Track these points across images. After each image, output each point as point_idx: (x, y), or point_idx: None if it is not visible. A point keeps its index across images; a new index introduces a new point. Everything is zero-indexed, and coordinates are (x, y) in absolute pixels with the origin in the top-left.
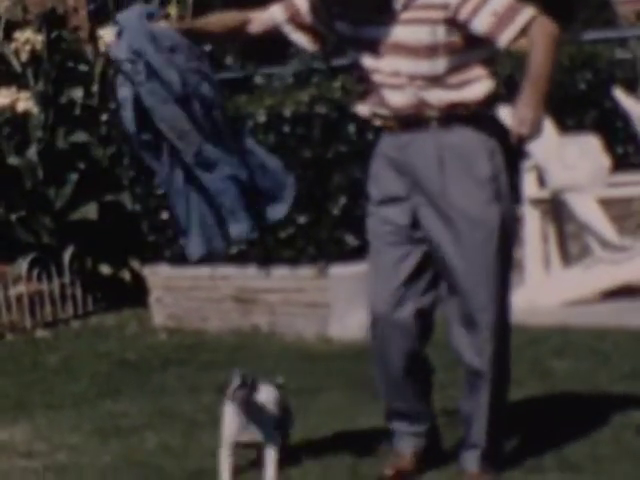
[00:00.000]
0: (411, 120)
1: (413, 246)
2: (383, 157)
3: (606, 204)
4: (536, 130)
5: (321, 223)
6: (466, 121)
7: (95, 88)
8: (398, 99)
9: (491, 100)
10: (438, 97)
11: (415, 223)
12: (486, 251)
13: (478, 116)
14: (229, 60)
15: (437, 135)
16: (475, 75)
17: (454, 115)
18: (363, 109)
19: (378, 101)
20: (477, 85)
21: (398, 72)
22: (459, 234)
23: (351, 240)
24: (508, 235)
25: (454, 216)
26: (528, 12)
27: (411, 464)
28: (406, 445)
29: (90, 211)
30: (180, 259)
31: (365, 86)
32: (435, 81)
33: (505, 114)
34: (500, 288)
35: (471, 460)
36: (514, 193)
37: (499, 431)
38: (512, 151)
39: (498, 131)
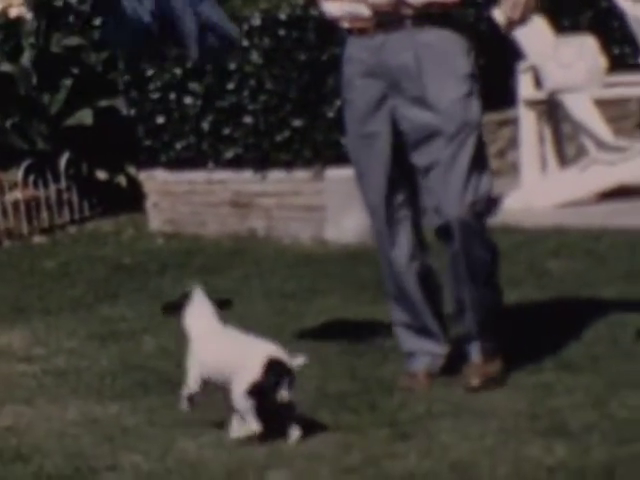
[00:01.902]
0: (386, 19)
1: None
2: (355, 62)
3: (602, 105)
4: (527, 15)
5: (316, 126)
6: (441, 21)
7: None
8: None
9: (465, 2)
10: None
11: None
12: (468, 145)
13: (452, 16)
14: None
15: (412, 34)
16: None
17: (429, 14)
18: (334, 7)
19: None
20: None
21: None
22: (439, 129)
23: None
24: (481, 133)
25: (436, 112)
26: None
27: (424, 385)
28: (419, 365)
29: (85, 116)
30: (176, 163)
31: None
32: None
33: (497, 15)
34: (481, 186)
35: (474, 351)
36: (508, 95)
37: (494, 320)
38: None
39: (470, 30)
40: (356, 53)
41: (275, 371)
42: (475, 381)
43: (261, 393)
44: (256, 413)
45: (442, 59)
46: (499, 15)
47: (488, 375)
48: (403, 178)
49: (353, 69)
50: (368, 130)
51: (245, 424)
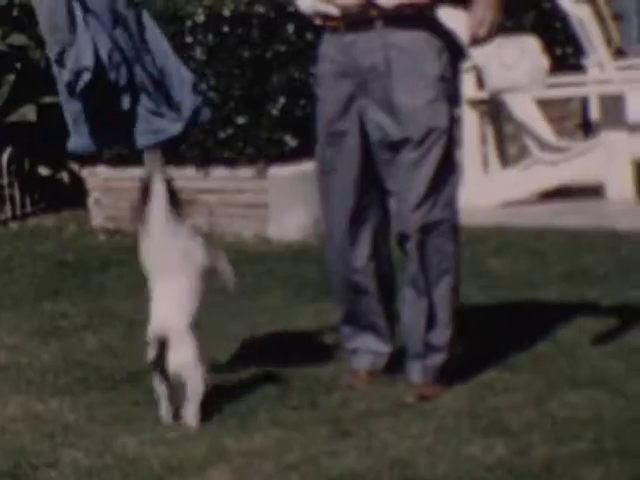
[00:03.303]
0: (356, 19)
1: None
2: (326, 60)
3: (544, 105)
4: (494, 32)
5: (260, 124)
6: (412, 21)
7: None
8: None
9: (437, 2)
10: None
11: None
12: (434, 152)
13: (424, 16)
14: None
15: (382, 34)
16: None
17: (400, 15)
18: (305, 4)
19: None
20: None
21: None
22: (405, 135)
23: (290, 140)
24: (454, 136)
25: (402, 117)
26: None
27: (365, 383)
28: (362, 362)
29: (28, 112)
30: (119, 160)
31: None
32: None
33: (445, 16)
34: (445, 189)
35: (414, 371)
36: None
37: (443, 342)
38: (456, 52)
39: (443, 31)
40: (328, 51)
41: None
42: (409, 399)
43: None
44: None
45: (412, 62)
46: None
47: (424, 396)
48: (373, 178)
49: (324, 67)
50: (337, 128)
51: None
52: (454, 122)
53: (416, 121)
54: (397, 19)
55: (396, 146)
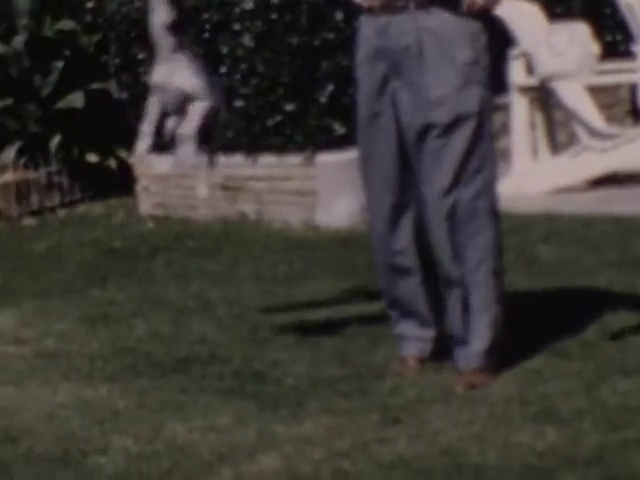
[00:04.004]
0: (390, 1)
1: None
2: (363, 42)
3: (594, 92)
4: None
5: (309, 111)
6: (446, 4)
7: None
8: None
9: None
10: None
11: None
12: (462, 137)
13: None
14: None
15: (416, 17)
16: None
17: None
18: None
19: None
20: None
21: None
22: (432, 121)
23: (338, 128)
24: (485, 121)
25: (431, 102)
26: None
27: (414, 370)
28: (410, 349)
29: (76, 99)
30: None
31: None
32: None
33: None
34: (478, 175)
35: (460, 357)
36: (500, 81)
37: (489, 329)
38: (499, 37)
39: (480, 15)
40: (365, 33)
41: None
42: (459, 389)
43: None
44: None
45: (443, 46)
46: None
47: (473, 384)
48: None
49: (361, 49)
50: (374, 110)
51: None
52: (488, 107)
53: (444, 107)
54: (430, 2)
55: (424, 131)
